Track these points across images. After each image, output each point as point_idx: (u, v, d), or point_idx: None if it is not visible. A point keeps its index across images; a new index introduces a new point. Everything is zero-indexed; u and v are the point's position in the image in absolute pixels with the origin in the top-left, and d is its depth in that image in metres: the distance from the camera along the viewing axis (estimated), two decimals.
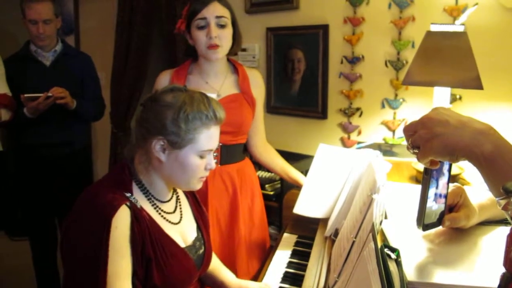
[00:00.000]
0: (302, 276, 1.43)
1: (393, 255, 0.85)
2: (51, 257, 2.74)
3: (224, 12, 1.70)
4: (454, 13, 2.11)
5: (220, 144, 1.73)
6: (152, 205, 1.26)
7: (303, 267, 1.51)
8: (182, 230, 1.33)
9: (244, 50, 2.94)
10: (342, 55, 2.56)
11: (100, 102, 2.79)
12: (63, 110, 2.49)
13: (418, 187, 0.90)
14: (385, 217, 1.16)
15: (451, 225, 0.96)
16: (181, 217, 1.35)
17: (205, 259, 1.39)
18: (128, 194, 1.19)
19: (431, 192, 0.89)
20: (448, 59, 1.65)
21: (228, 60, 1.85)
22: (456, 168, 1.60)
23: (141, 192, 1.24)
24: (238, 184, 1.80)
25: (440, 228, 0.97)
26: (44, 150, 2.59)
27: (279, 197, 2.52)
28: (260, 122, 1.94)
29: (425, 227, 0.93)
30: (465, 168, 1.60)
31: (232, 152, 1.81)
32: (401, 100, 2.37)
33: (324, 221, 1.64)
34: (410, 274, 0.83)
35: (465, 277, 0.82)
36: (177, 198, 1.38)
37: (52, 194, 2.65)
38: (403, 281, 0.79)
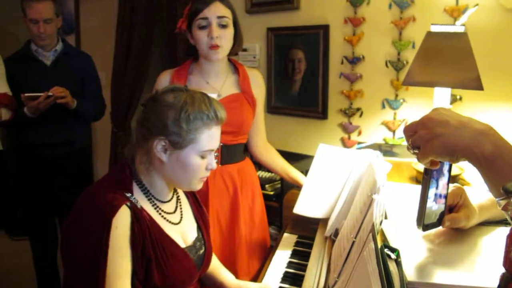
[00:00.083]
0: (302, 276, 1.43)
1: (393, 255, 0.85)
2: (51, 257, 2.74)
3: (226, 12, 1.70)
4: (454, 13, 2.11)
5: (221, 144, 1.73)
6: (153, 205, 1.26)
7: (303, 267, 1.51)
8: (183, 231, 1.34)
9: (244, 50, 2.94)
10: (343, 55, 2.56)
11: (100, 101, 2.79)
12: (63, 109, 2.49)
13: (418, 188, 0.91)
14: (385, 217, 1.16)
15: (451, 226, 0.96)
16: (181, 218, 1.35)
17: (205, 260, 1.39)
18: (129, 194, 1.19)
19: (431, 192, 0.89)
20: (448, 59, 1.65)
21: (229, 60, 1.85)
22: (456, 168, 1.60)
23: (141, 192, 1.24)
24: (238, 184, 1.81)
25: (440, 228, 0.97)
26: (45, 149, 2.59)
27: (279, 197, 2.52)
28: (261, 122, 1.94)
29: (425, 228, 0.93)
30: (465, 169, 1.60)
31: (233, 152, 1.81)
32: (401, 100, 2.37)
33: (324, 221, 1.64)
34: (410, 274, 0.83)
35: (465, 277, 0.82)
36: (178, 198, 1.38)
37: (53, 193, 2.66)
38: (403, 281, 0.79)
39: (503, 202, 0.61)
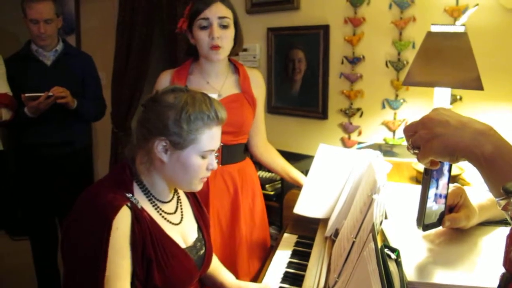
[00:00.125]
0: (302, 276, 1.43)
1: (393, 255, 0.85)
2: (51, 257, 2.74)
3: (227, 12, 1.70)
4: (454, 13, 2.11)
5: (221, 144, 1.73)
6: (153, 206, 1.26)
7: (303, 267, 1.51)
8: (183, 231, 1.34)
9: (245, 50, 2.94)
10: (343, 56, 2.56)
11: (101, 102, 2.79)
12: (64, 109, 2.49)
13: (418, 188, 0.91)
14: (385, 217, 1.16)
15: (451, 226, 0.96)
16: (182, 218, 1.35)
17: (206, 260, 1.39)
18: (129, 195, 1.19)
19: (431, 192, 0.89)
20: (448, 59, 1.65)
21: (229, 60, 1.85)
22: (456, 168, 1.60)
23: (142, 192, 1.24)
24: (239, 184, 1.81)
25: (440, 228, 0.97)
26: (45, 149, 2.59)
27: (279, 197, 2.52)
28: (261, 122, 1.94)
29: (425, 228, 0.93)
30: (465, 169, 1.60)
31: (233, 152, 1.81)
32: (401, 100, 2.37)
33: (325, 221, 1.64)
34: (410, 274, 0.83)
35: (465, 277, 0.82)
36: (178, 199, 1.38)
37: (53, 193, 2.66)
38: (403, 281, 0.79)
39: (503, 202, 0.61)
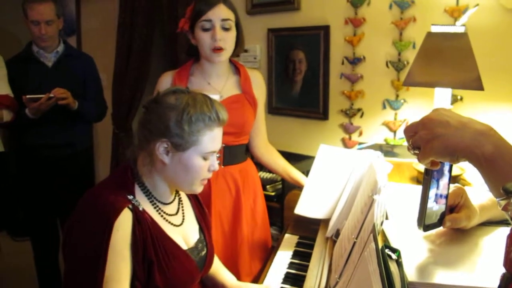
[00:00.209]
0: (304, 277, 1.43)
1: (394, 256, 0.85)
2: (52, 257, 2.75)
3: (229, 14, 1.70)
4: (455, 14, 2.12)
5: (223, 145, 1.73)
6: (154, 207, 1.26)
7: (305, 268, 1.51)
8: (184, 232, 1.34)
9: (245, 51, 2.93)
10: (343, 56, 2.56)
11: (101, 103, 2.80)
12: (65, 111, 2.50)
13: (419, 188, 0.91)
14: (386, 218, 1.16)
15: (451, 226, 0.97)
16: (183, 219, 1.35)
17: (207, 261, 1.40)
18: (131, 197, 1.19)
19: (432, 192, 0.89)
20: (449, 60, 1.65)
21: (230, 61, 1.85)
22: (457, 169, 1.60)
23: (143, 194, 1.25)
24: (241, 184, 1.81)
25: (440, 228, 0.98)
26: (46, 151, 2.59)
27: (280, 197, 2.53)
28: (262, 123, 1.94)
29: (426, 228, 0.93)
30: (466, 169, 1.60)
31: (235, 153, 1.81)
32: (402, 100, 2.37)
33: (325, 221, 1.65)
34: (411, 275, 0.83)
35: (466, 277, 0.82)
36: (180, 200, 1.39)
37: (54, 194, 2.66)
38: (403, 282, 0.79)
39: (503, 202, 0.61)
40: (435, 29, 1.75)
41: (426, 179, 0.88)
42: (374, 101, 2.49)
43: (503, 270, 0.56)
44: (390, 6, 2.34)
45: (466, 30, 1.72)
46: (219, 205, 1.77)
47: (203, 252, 1.38)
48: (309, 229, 1.78)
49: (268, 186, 2.62)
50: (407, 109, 2.38)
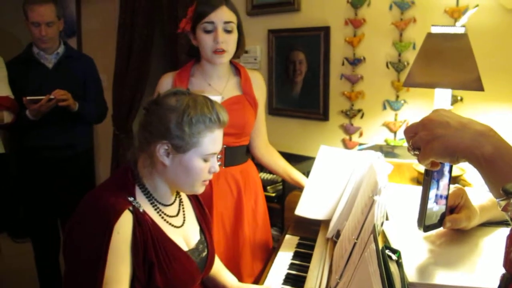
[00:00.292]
0: (304, 278, 1.44)
1: (394, 256, 0.85)
2: (53, 258, 2.75)
3: (232, 17, 1.69)
4: (455, 14, 2.12)
5: (224, 146, 1.73)
6: (155, 209, 1.26)
7: (305, 269, 1.51)
8: (185, 233, 1.34)
9: (245, 52, 2.94)
10: (344, 57, 2.56)
11: (102, 104, 2.80)
12: (65, 112, 2.50)
13: (419, 189, 0.91)
14: (387, 219, 1.16)
15: (452, 226, 0.97)
16: (184, 220, 1.35)
17: (208, 262, 1.40)
18: (131, 198, 1.19)
19: (432, 193, 0.89)
20: (449, 60, 1.65)
21: (230, 62, 1.85)
22: (457, 169, 1.60)
23: (144, 195, 1.25)
24: (242, 185, 1.81)
25: (441, 229, 0.98)
26: (47, 152, 2.60)
27: (281, 198, 2.53)
28: (262, 124, 1.95)
29: (426, 228, 0.93)
30: (466, 170, 1.60)
31: (236, 153, 1.81)
32: (402, 101, 2.38)
33: (326, 222, 1.65)
34: (411, 275, 0.83)
35: (466, 278, 0.82)
36: (180, 201, 1.39)
37: (54, 195, 2.67)
38: (404, 282, 0.79)
39: (503, 203, 0.61)
40: (435, 29, 1.75)
41: (426, 180, 0.88)
42: (374, 102, 2.49)
43: (503, 271, 0.56)
44: (390, 7, 2.34)
45: (466, 31, 1.73)
46: (221, 206, 1.77)
47: (204, 253, 1.38)
48: (309, 230, 1.78)
49: (268, 187, 2.62)
50: (407, 109, 2.38)
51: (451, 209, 0.99)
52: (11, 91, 2.43)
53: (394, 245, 0.96)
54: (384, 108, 2.45)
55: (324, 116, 2.69)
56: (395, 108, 2.40)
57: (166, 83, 1.79)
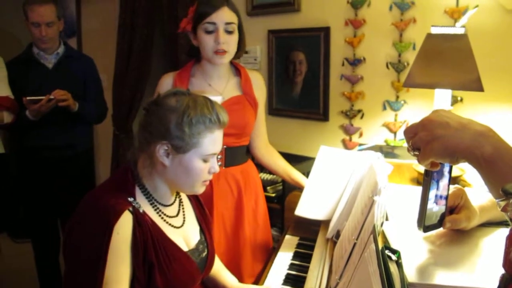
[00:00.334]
0: (304, 278, 1.44)
1: (394, 257, 0.85)
2: (53, 258, 2.76)
3: (233, 18, 1.69)
4: (455, 15, 2.12)
5: (224, 146, 1.73)
6: (155, 209, 1.26)
7: (305, 269, 1.51)
8: (185, 234, 1.34)
9: (245, 52, 2.93)
10: (344, 57, 2.56)
11: (102, 104, 2.80)
12: (65, 112, 2.50)
13: (419, 189, 0.91)
14: (386, 219, 1.16)
15: (451, 227, 0.97)
16: (184, 221, 1.35)
17: (208, 262, 1.40)
18: (131, 199, 1.19)
19: (432, 193, 0.89)
20: (449, 61, 1.65)
21: (230, 62, 1.85)
22: (457, 170, 1.60)
23: (143, 196, 1.25)
24: (242, 186, 1.81)
25: (440, 229, 0.98)
26: (47, 152, 2.60)
27: (281, 199, 2.53)
28: (262, 124, 1.95)
29: (426, 229, 0.93)
30: (466, 170, 1.61)
31: (236, 154, 1.81)
32: (402, 102, 2.38)
33: (326, 223, 1.65)
34: (411, 276, 0.83)
35: (466, 278, 0.82)
36: (180, 202, 1.39)
37: (54, 195, 2.67)
38: (403, 283, 0.79)
39: (502, 203, 0.61)
40: (435, 30, 1.75)
41: (426, 180, 0.88)
42: (374, 102, 2.49)
43: (503, 271, 0.56)
44: (390, 8, 2.34)
45: (466, 31, 1.73)
46: (221, 206, 1.77)
47: (204, 254, 1.38)
48: (309, 230, 1.78)
49: (268, 187, 2.63)
50: (407, 110, 2.38)
51: (451, 210, 0.99)
52: (11, 91, 2.43)
53: (394, 245, 0.96)
54: (384, 108, 2.45)
55: (324, 116, 2.69)
56: (395, 109, 2.41)
57: (166, 83, 1.79)
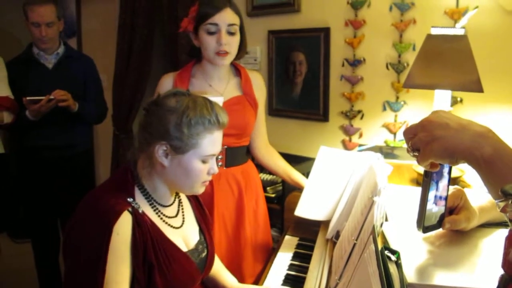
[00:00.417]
0: (304, 278, 1.44)
1: (393, 257, 0.85)
2: (52, 258, 2.75)
3: (235, 19, 1.69)
4: (455, 16, 2.12)
5: (225, 146, 1.73)
6: (154, 210, 1.26)
7: (305, 269, 1.51)
8: (185, 234, 1.34)
9: (246, 52, 2.94)
10: (344, 58, 2.56)
11: (102, 104, 2.80)
12: (65, 112, 2.50)
13: (419, 190, 0.91)
14: (386, 219, 1.16)
15: (451, 227, 0.97)
16: (183, 221, 1.35)
17: (208, 262, 1.40)
18: (130, 199, 1.19)
19: (431, 194, 0.89)
20: (448, 62, 1.65)
21: (231, 62, 1.85)
22: (457, 170, 1.60)
23: (143, 196, 1.25)
24: (243, 186, 1.81)
25: (440, 230, 0.98)
26: (47, 152, 2.60)
27: (280, 199, 2.53)
28: (262, 124, 1.95)
29: (425, 229, 0.93)
30: (466, 171, 1.61)
31: (237, 154, 1.82)
32: (402, 102, 2.38)
33: (326, 223, 1.65)
34: (410, 276, 0.83)
35: (465, 279, 0.82)
36: (180, 202, 1.39)
37: (54, 195, 2.67)
38: (403, 283, 0.79)
39: (502, 204, 0.61)
40: (435, 31, 1.76)
41: (425, 181, 0.88)
42: (374, 103, 2.49)
43: (502, 272, 0.56)
44: (390, 8, 2.34)
45: (466, 32, 1.73)
46: (222, 207, 1.77)
47: (204, 254, 1.38)
48: (309, 231, 1.78)
49: (268, 188, 2.63)
50: (407, 111, 2.38)
51: (450, 210, 0.99)
52: (11, 91, 2.43)
53: (393, 246, 0.96)
54: (384, 109, 2.45)
55: (324, 117, 2.70)
56: (395, 109, 2.41)
57: (166, 83, 1.79)
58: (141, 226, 1.16)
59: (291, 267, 1.60)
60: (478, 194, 1.07)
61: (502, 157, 0.67)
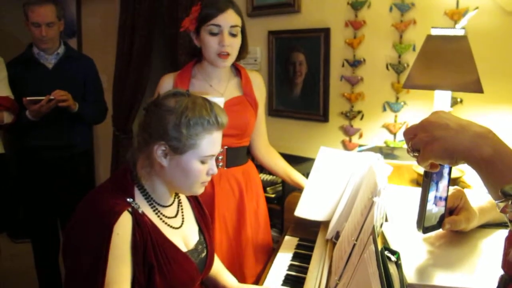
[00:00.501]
0: (303, 279, 1.44)
1: (393, 258, 0.85)
2: (52, 258, 2.76)
3: (238, 21, 1.69)
4: (455, 16, 2.12)
5: (226, 147, 1.73)
6: (154, 210, 1.26)
7: (305, 270, 1.51)
8: (184, 234, 1.34)
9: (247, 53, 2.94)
10: (344, 58, 2.56)
11: (102, 104, 2.80)
12: (65, 113, 2.50)
13: (419, 190, 0.91)
14: (386, 220, 1.16)
15: (451, 228, 0.97)
16: (182, 221, 1.35)
17: (208, 262, 1.40)
18: (130, 200, 1.19)
19: (431, 195, 0.89)
20: (448, 62, 1.66)
21: None
22: (457, 171, 1.60)
23: (142, 197, 1.25)
24: (244, 186, 1.81)
25: (440, 231, 0.98)
26: (46, 152, 2.60)
27: (280, 199, 2.52)
28: (262, 125, 1.95)
29: (425, 230, 0.93)
30: (466, 171, 1.61)
31: (237, 154, 1.82)
32: (402, 103, 2.38)
33: (326, 224, 1.65)
34: (410, 277, 0.83)
35: (465, 279, 0.82)
36: (179, 202, 1.39)
37: (54, 195, 2.67)
38: (403, 284, 0.79)
39: (502, 205, 0.61)
40: (435, 31, 1.76)
41: (425, 182, 0.88)
42: (374, 103, 2.49)
43: (502, 272, 0.57)
44: (390, 9, 2.34)
45: (466, 33, 1.73)
46: (223, 207, 1.77)
47: (203, 254, 1.38)
48: (309, 231, 1.78)
49: (268, 188, 2.62)
50: (407, 111, 2.38)
51: (450, 211, 0.99)
52: (11, 91, 2.44)
53: (393, 246, 0.96)
54: (384, 109, 2.45)
55: (324, 117, 2.69)
56: (395, 110, 2.41)
57: (166, 83, 1.79)
58: (141, 226, 1.16)
59: (291, 267, 1.60)
60: (478, 195, 1.07)
61: (502, 158, 0.67)
